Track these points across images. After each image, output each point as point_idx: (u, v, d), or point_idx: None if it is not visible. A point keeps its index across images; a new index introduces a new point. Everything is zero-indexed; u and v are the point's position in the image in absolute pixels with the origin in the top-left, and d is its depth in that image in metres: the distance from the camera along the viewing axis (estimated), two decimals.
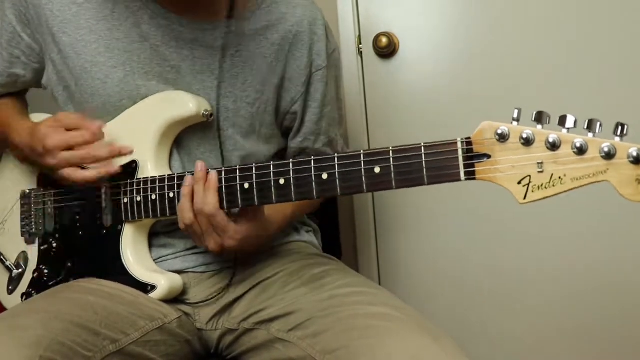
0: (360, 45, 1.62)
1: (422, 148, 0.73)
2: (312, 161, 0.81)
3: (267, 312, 0.94)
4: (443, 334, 0.80)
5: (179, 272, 1.01)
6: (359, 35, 1.62)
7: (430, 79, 1.59)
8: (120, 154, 0.97)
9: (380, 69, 1.62)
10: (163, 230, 1.02)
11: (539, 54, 1.50)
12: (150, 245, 1.02)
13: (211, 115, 0.97)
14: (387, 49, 1.58)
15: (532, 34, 1.51)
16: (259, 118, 1.04)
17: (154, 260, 1.01)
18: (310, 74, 1.06)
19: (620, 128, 0.63)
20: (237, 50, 1.01)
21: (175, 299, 0.99)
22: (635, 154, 0.61)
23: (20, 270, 1.08)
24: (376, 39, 1.59)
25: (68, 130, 0.96)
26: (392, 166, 0.75)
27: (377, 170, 0.76)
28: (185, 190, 0.89)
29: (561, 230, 1.52)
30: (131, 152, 0.98)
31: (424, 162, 0.73)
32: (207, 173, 0.89)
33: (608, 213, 1.46)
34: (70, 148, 0.95)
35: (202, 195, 0.87)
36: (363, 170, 0.77)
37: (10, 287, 1.09)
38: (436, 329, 0.80)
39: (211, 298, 1.00)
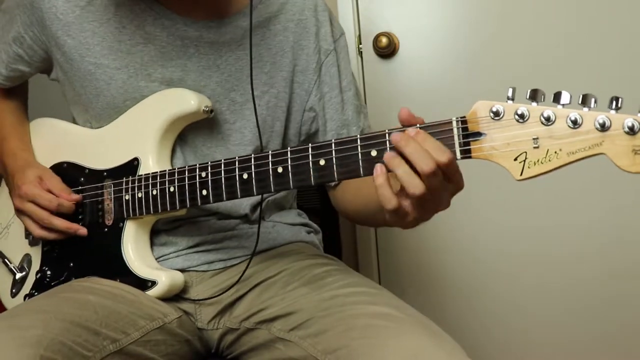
0: (360, 45, 1.63)
1: (418, 129, 0.73)
2: (310, 148, 0.81)
3: (269, 311, 0.93)
4: (443, 334, 0.79)
5: (181, 270, 1.00)
6: (359, 35, 1.63)
7: (430, 79, 1.59)
8: (75, 234, 1.00)
9: (380, 69, 1.62)
10: (164, 228, 1.02)
11: (540, 53, 1.50)
12: (152, 244, 1.01)
13: (211, 111, 0.98)
14: (387, 49, 1.59)
15: (532, 34, 1.51)
16: (271, 113, 1.03)
17: (156, 258, 1.01)
18: (319, 60, 1.05)
19: (615, 102, 0.63)
20: (241, 45, 1.01)
21: (178, 297, 0.99)
22: (630, 124, 0.61)
23: (23, 273, 1.08)
24: (376, 39, 1.60)
25: (48, 190, 1.00)
26: (388, 148, 0.74)
27: (373, 153, 0.76)
28: (395, 160, 0.72)
29: (566, 227, 1.51)
30: (85, 234, 1.00)
31: None
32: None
33: (609, 206, 1.46)
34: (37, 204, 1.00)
35: (421, 151, 0.70)
36: (360, 154, 0.76)
37: (13, 290, 1.09)
38: (436, 329, 0.80)
39: (216, 296, 0.99)
